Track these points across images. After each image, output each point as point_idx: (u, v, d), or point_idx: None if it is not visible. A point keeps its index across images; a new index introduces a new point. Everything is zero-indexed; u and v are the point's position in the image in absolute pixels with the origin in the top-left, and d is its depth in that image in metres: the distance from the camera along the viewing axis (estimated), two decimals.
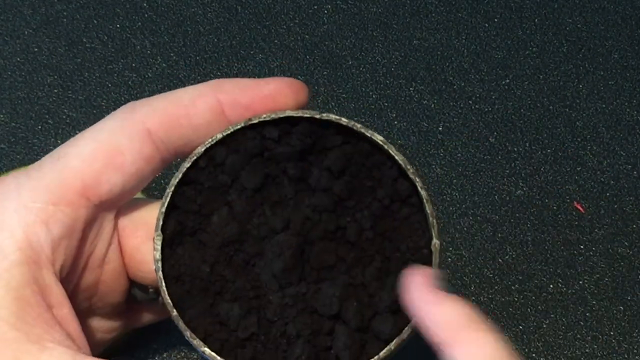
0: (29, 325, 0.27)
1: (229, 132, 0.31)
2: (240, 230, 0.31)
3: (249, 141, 0.31)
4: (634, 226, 0.55)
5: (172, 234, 0.31)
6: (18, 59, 0.59)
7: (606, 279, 0.53)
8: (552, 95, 0.59)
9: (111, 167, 0.30)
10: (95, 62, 0.59)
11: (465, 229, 0.54)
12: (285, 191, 0.32)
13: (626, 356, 0.51)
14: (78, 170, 0.30)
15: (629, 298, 0.52)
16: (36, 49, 0.59)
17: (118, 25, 0.60)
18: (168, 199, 0.31)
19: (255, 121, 0.31)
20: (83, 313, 0.32)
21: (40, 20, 0.60)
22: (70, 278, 0.31)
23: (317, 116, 0.31)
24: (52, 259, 0.29)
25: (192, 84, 0.60)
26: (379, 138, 0.31)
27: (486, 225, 0.54)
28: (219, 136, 0.31)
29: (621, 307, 0.52)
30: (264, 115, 0.31)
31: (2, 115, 0.57)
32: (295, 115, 0.31)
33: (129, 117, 0.31)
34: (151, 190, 0.34)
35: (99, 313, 0.34)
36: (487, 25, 0.62)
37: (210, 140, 0.31)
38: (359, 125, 0.31)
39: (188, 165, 0.31)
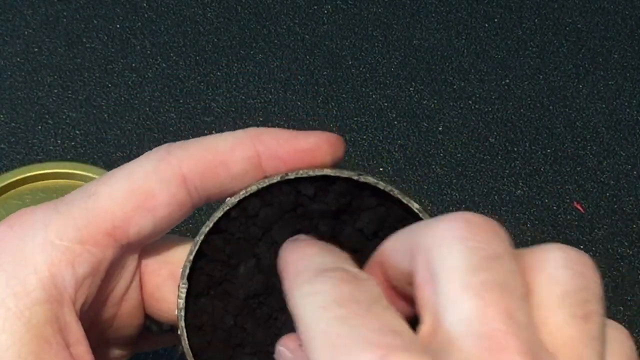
0: None
1: (264, 185, 0.31)
2: (266, 284, 0.31)
3: (283, 196, 0.31)
4: (634, 226, 0.55)
5: (197, 283, 0.31)
6: (18, 59, 0.59)
7: (606, 279, 0.53)
8: (552, 95, 0.59)
9: (142, 210, 0.30)
10: (95, 62, 0.59)
11: None
12: None
13: None
14: (108, 211, 0.29)
15: (629, 298, 0.52)
16: (36, 49, 0.59)
17: (118, 25, 0.60)
18: (197, 247, 0.31)
19: (292, 177, 0.31)
20: (96, 344, 0.32)
21: (40, 20, 0.60)
22: (90, 313, 0.31)
23: (355, 177, 0.31)
24: (74, 298, 0.29)
25: (192, 84, 0.60)
26: (415, 206, 0.31)
27: None
28: (254, 188, 0.31)
29: (621, 307, 0.52)
30: (301, 172, 0.31)
31: (2, 115, 0.57)
32: (332, 174, 0.31)
33: (165, 160, 0.30)
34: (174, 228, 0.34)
35: (112, 343, 0.34)
36: (487, 25, 0.62)
37: (244, 191, 0.31)
38: (396, 191, 0.31)
39: (220, 214, 0.31)
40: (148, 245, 0.32)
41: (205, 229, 0.31)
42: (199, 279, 0.31)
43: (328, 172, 0.31)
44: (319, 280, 0.25)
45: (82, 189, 0.31)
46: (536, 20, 0.62)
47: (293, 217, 0.31)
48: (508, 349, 0.22)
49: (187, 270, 0.30)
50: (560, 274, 0.25)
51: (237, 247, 0.32)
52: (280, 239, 0.31)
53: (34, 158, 0.55)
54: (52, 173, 0.51)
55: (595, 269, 0.25)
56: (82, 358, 0.29)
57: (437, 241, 0.25)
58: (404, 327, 0.24)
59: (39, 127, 0.56)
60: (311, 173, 0.31)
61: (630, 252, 0.54)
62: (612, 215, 0.55)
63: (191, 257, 0.31)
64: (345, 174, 0.31)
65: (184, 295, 0.30)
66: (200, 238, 0.31)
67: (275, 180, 0.31)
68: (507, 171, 0.56)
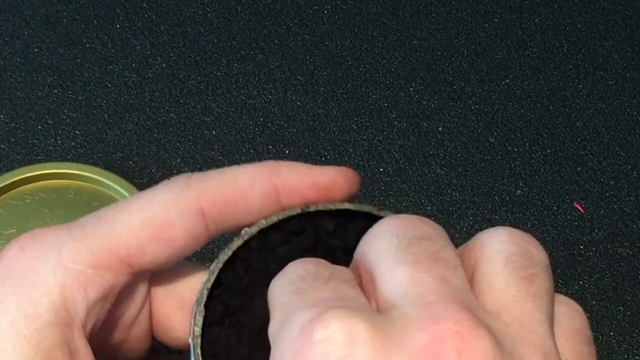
0: None
1: (284, 216, 0.31)
2: None
3: (303, 234, 0.31)
4: (634, 226, 0.55)
5: (213, 311, 0.31)
6: (18, 59, 0.59)
7: (606, 279, 0.53)
8: (552, 95, 0.59)
9: (158, 240, 0.30)
10: (95, 62, 0.59)
11: (465, 229, 0.54)
12: None
13: (626, 356, 0.51)
14: (124, 237, 0.29)
15: (629, 298, 0.52)
16: (36, 49, 0.59)
17: (118, 25, 0.60)
18: (215, 275, 0.30)
19: (313, 209, 0.31)
20: None
21: (40, 20, 0.60)
22: (99, 337, 0.31)
23: (375, 213, 0.31)
24: (85, 322, 0.29)
25: (192, 84, 0.60)
26: None
27: (486, 225, 0.54)
28: (275, 219, 0.31)
29: (621, 307, 0.52)
30: (321, 205, 0.31)
31: (2, 116, 0.57)
32: (352, 209, 0.31)
33: (184, 192, 0.30)
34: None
35: None
36: (487, 25, 0.62)
37: (265, 222, 0.31)
38: None
39: (240, 244, 0.31)
40: (158, 273, 0.32)
41: (224, 257, 0.31)
42: (215, 307, 0.31)
43: (348, 206, 0.31)
44: (293, 264, 0.27)
45: (96, 214, 0.30)
46: (536, 20, 0.62)
47: (312, 256, 0.31)
48: (443, 304, 0.23)
49: (205, 298, 0.30)
50: (504, 245, 0.26)
51: (254, 278, 0.31)
52: None
53: (34, 158, 0.55)
54: (52, 173, 0.51)
55: (541, 246, 0.26)
56: None
57: (369, 239, 0.26)
58: (360, 298, 0.24)
59: (39, 127, 0.56)
60: (332, 207, 0.31)
61: (630, 252, 0.54)
62: (612, 215, 0.55)
63: (209, 285, 0.30)
64: (365, 208, 0.31)
65: (200, 323, 0.30)
66: (218, 266, 0.30)
67: (295, 213, 0.31)
68: (507, 171, 0.56)
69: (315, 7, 0.61)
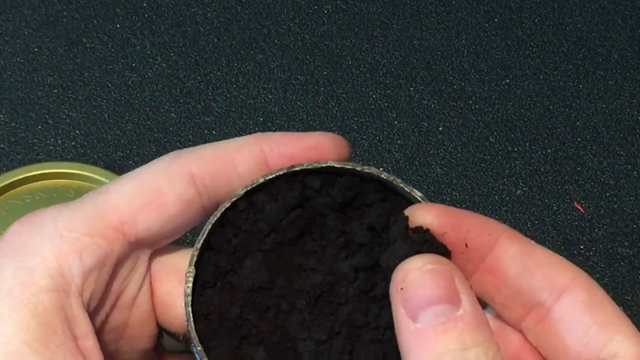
0: (51, 351, 0.28)
1: (271, 176, 0.32)
2: (270, 279, 0.32)
3: (289, 191, 0.32)
4: (634, 226, 0.55)
5: (204, 272, 0.32)
6: (18, 59, 0.59)
7: (606, 279, 0.53)
8: (552, 95, 0.59)
9: (150, 207, 0.31)
10: (95, 62, 0.59)
11: None
12: (321, 245, 0.32)
13: None
14: (117, 206, 0.30)
15: (629, 298, 0.52)
16: (36, 49, 0.59)
17: (118, 25, 0.60)
18: (205, 236, 0.31)
19: (298, 169, 0.32)
20: (110, 357, 0.32)
21: (40, 20, 0.60)
22: (99, 312, 0.31)
23: (359, 168, 0.32)
24: (82, 289, 0.30)
25: (192, 84, 0.61)
26: (417, 194, 0.32)
27: None
28: (261, 180, 0.32)
29: (621, 307, 0.52)
30: (306, 164, 0.32)
31: (2, 115, 0.57)
32: (337, 165, 0.32)
33: (174, 161, 0.31)
34: (182, 240, 0.34)
35: (126, 359, 0.34)
36: (487, 25, 0.62)
37: (251, 182, 0.32)
38: (399, 180, 0.32)
39: (227, 205, 0.32)
40: (158, 252, 0.33)
41: (213, 219, 0.31)
42: (206, 268, 0.32)
43: (332, 163, 0.32)
44: None
45: (94, 190, 0.31)
46: (536, 20, 0.62)
47: (299, 214, 0.32)
48: None
49: (195, 258, 0.31)
50: None
51: (243, 239, 0.32)
52: (287, 235, 0.32)
53: (34, 158, 0.55)
54: (52, 173, 0.51)
55: None
56: (90, 352, 0.29)
57: None
58: None
59: (39, 127, 0.56)
60: (316, 165, 0.32)
61: (630, 252, 0.54)
62: (612, 215, 0.55)
63: (199, 245, 0.31)
64: (349, 165, 0.32)
65: (191, 283, 0.31)
66: (207, 228, 0.31)
67: (281, 172, 0.32)
68: (507, 171, 0.56)
69: (315, 7, 0.62)
